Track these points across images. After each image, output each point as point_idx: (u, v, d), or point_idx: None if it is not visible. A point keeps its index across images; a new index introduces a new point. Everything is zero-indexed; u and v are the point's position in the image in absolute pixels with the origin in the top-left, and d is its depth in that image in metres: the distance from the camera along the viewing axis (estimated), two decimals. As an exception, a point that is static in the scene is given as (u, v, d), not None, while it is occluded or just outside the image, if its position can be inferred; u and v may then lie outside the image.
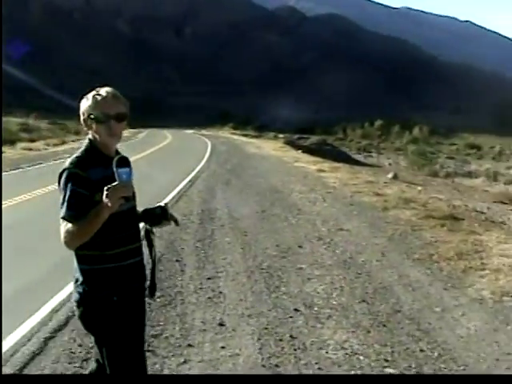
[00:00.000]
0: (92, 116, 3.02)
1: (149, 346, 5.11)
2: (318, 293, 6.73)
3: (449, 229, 10.13)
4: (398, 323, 5.78)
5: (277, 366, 4.80)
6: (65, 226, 2.91)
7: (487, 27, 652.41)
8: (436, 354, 5.05)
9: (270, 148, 37.45)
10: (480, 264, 7.83)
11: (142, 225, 3.29)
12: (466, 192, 26.19)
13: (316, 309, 6.18)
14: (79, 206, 2.91)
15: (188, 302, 6.38)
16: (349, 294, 6.69)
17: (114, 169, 2.81)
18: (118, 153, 3.06)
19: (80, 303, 3.08)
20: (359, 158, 48.30)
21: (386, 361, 4.89)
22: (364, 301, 6.46)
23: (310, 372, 4.67)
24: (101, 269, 3.04)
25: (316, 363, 4.84)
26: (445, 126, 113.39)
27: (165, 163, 25.01)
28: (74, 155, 3.07)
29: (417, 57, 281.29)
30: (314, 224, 10.86)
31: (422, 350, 5.12)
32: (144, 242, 3.29)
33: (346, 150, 55.83)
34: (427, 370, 4.74)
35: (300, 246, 9.04)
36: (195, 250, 8.72)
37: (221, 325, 5.72)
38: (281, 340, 5.32)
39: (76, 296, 3.11)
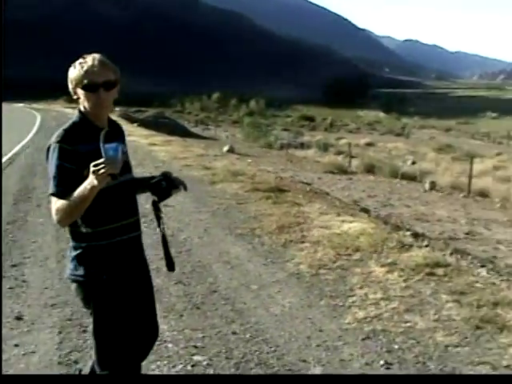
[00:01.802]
0: (80, 85, 2.83)
1: None
2: (133, 276, 6.32)
3: (274, 201, 10.05)
4: (212, 304, 5.52)
5: (76, 362, 4.36)
6: (55, 203, 2.76)
7: (318, 3, 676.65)
8: (248, 335, 4.83)
9: (104, 121, 36.10)
10: (300, 237, 7.78)
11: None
12: (299, 163, 26.89)
13: (128, 294, 5.77)
14: (67, 181, 2.75)
15: (-17, 295, 5.72)
16: (165, 276, 6.30)
17: (101, 144, 2.61)
18: (111, 124, 2.97)
19: (72, 280, 3.00)
20: (197, 130, 48.15)
21: (195, 347, 4.59)
22: (180, 282, 6.14)
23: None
24: (92, 246, 2.92)
25: (120, 356, 4.44)
26: (281, 99, 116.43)
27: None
28: (62, 128, 2.91)
29: (251, 30, 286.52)
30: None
31: (234, 333, 4.88)
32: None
33: (184, 122, 55.42)
34: (237, 354, 4.50)
35: (119, 226, 8.55)
36: (3, 234, 7.95)
37: (18, 318, 5.16)
38: (84, 332, 4.86)
39: (68, 272, 3.03)
